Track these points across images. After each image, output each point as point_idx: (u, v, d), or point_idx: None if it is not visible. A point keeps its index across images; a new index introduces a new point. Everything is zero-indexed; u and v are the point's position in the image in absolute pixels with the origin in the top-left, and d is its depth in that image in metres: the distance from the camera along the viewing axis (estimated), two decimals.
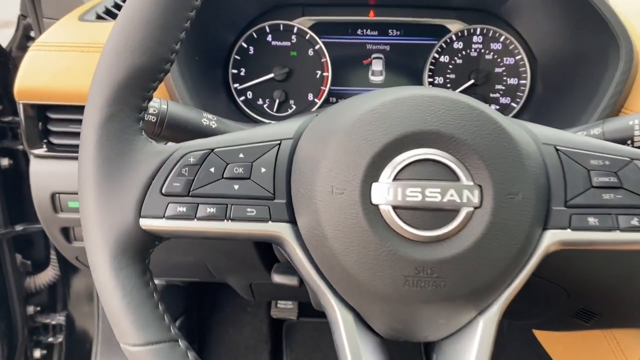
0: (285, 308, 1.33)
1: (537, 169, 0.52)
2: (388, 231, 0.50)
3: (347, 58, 0.99)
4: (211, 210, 0.52)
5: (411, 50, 0.99)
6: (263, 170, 0.53)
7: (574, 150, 0.54)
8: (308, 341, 1.42)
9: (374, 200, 0.50)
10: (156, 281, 1.22)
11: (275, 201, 0.53)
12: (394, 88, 0.54)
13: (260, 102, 0.99)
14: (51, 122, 0.86)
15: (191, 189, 0.52)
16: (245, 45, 0.99)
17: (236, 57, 0.99)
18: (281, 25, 0.98)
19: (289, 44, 0.98)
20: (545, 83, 0.96)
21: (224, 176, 0.53)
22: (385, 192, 0.49)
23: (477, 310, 0.52)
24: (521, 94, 0.98)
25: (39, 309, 1.45)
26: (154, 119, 0.66)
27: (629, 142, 0.67)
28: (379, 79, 0.99)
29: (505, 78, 0.98)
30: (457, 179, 0.50)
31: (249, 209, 0.52)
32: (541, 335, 1.13)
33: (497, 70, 0.98)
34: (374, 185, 0.50)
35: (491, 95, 0.98)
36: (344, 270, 0.51)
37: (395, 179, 0.50)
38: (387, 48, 0.99)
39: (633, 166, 0.53)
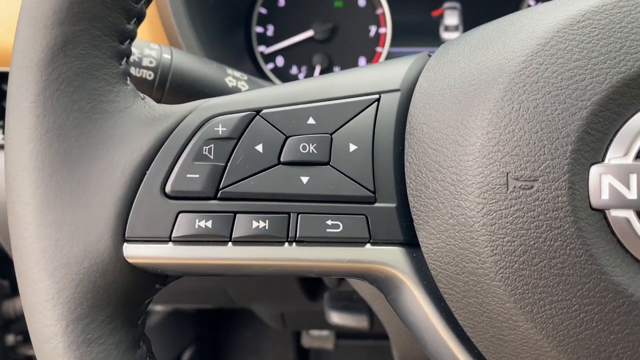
0: (320, 336, 1.09)
1: None
2: (627, 263, 0.25)
3: (411, 8, 0.76)
4: (261, 224, 0.27)
5: None
6: (353, 148, 0.28)
7: None
8: None
9: (597, 201, 0.25)
10: (159, 307, 0.98)
11: (378, 206, 0.28)
12: None
13: (294, 70, 0.75)
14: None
15: (222, 186, 0.27)
16: None
17: (262, 10, 0.74)
18: None
19: None
20: None
21: (282, 160, 0.28)
22: (620, 184, 0.24)
23: None
24: None
25: (20, 338, 1.22)
26: (150, 75, 0.42)
27: None
28: (454, 35, 0.74)
29: None
30: None
31: (329, 222, 0.27)
32: None
33: None
34: (596, 169, 0.25)
35: None
36: (528, 342, 0.26)
37: (639, 156, 0.25)
38: None
39: None
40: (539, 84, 0.25)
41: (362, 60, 0.75)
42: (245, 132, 0.28)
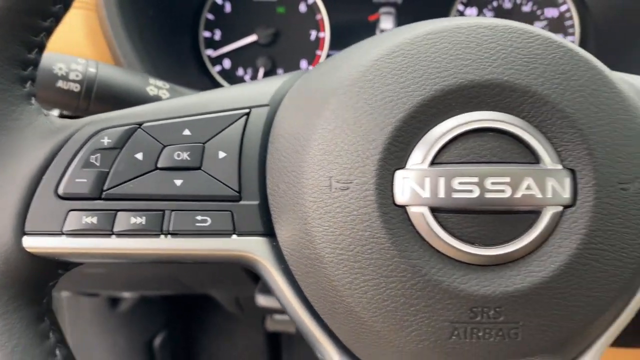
0: (282, 320, 1.15)
1: None
2: (424, 249, 0.30)
3: (349, 14, 0.81)
4: (138, 220, 0.33)
5: (430, 1, 0.79)
6: (222, 155, 0.34)
7: None
8: (312, 356, 1.24)
9: (400, 199, 0.30)
10: (127, 294, 1.03)
11: (242, 203, 0.34)
12: (423, 21, 0.35)
13: (240, 72, 0.80)
14: None
15: (105, 188, 0.33)
16: (219, 1, 0.79)
17: (209, 16, 0.79)
18: None
19: None
20: (599, 41, 0.76)
21: (159, 166, 0.34)
22: (417, 185, 0.30)
23: None
24: None
25: None
26: (77, 87, 0.47)
27: None
28: None
29: None
30: (536, 160, 0.30)
31: (199, 217, 0.33)
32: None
33: (538, 25, 0.78)
34: (399, 174, 0.30)
35: None
36: (351, 313, 0.31)
37: (433, 162, 0.30)
38: (399, 0, 0.79)
39: None
40: (358, 104, 0.31)
41: (303, 63, 0.80)
42: (127, 142, 0.34)
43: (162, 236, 0.33)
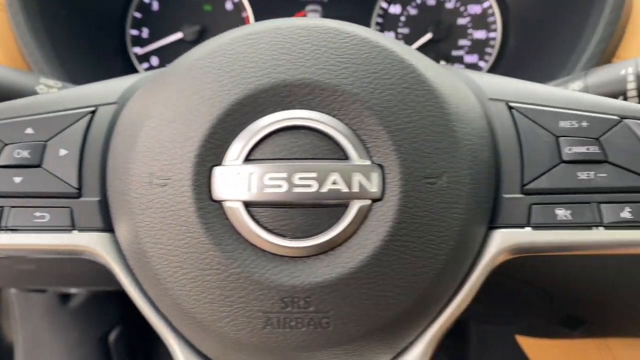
0: None
1: (476, 138, 0.33)
2: (238, 242, 0.32)
3: (275, 12, 0.81)
4: None
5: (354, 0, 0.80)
6: (63, 153, 0.35)
7: (535, 108, 0.35)
8: None
9: (216, 194, 0.32)
10: (75, 290, 1.04)
11: (83, 200, 0.35)
12: (259, 22, 0.36)
13: None
14: None
15: None
16: (147, 0, 0.80)
17: (136, 14, 0.80)
18: None
19: None
20: (518, 35, 0.77)
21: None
22: (232, 181, 0.31)
23: (389, 356, 0.34)
24: (490, 50, 0.79)
25: None
26: None
27: (620, 99, 0.48)
28: None
29: (470, 31, 0.79)
30: (345, 156, 0.31)
31: (37, 213, 0.34)
32: (526, 342, 0.97)
33: (461, 21, 0.79)
34: (217, 170, 0.32)
35: (454, 52, 0.80)
36: (177, 305, 0.33)
37: (247, 159, 0.32)
38: None
39: (623, 128, 0.34)
40: (179, 102, 0.32)
41: None
42: None
43: (1, 232, 0.34)
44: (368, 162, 0.31)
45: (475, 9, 0.79)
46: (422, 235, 0.31)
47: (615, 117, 0.35)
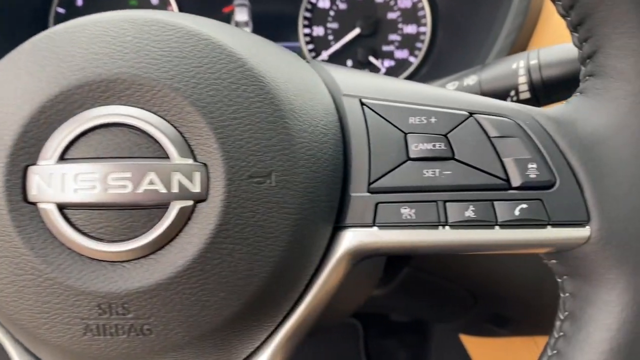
0: None
1: (317, 135, 0.32)
2: (53, 246, 0.30)
3: (201, 6, 0.80)
4: None
5: None
6: None
7: (386, 104, 0.34)
8: None
9: (31, 196, 0.30)
10: None
11: None
12: (84, 16, 0.34)
13: None
14: None
15: None
16: None
17: (59, 9, 0.78)
18: None
19: None
20: (447, 29, 0.75)
21: None
22: (45, 182, 0.30)
23: None
24: (420, 45, 0.78)
25: None
26: None
27: (512, 93, 0.47)
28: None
29: (401, 26, 0.78)
30: (166, 155, 0.30)
31: None
32: (468, 340, 0.96)
33: (391, 16, 0.78)
34: (30, 170, 0.30)
35: (384, 48, 0.78)
36: (1, 310, 0.31)
37: (62, 158, 0.30)
38: None
39: (471, 124, 0.33)
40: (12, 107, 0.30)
41: None
42: None
43: None
44: (190, 161, 0.30)
45: (405, 3, 0.78)
46: (248, 236, 0.30)
47: (464, 113, 0.33)
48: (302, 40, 0.78)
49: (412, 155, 0.33)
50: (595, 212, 0.32)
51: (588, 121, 0.32)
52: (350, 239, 0.33)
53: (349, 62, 0.79)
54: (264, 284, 0.31)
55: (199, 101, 0.30)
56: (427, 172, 0.33)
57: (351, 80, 0.36)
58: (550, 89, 0.45)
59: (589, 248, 0.32)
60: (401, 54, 0.78)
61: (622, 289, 0.32)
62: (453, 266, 0.65)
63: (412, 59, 0.78)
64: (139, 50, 0.30)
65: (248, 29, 0.79)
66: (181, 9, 0.78)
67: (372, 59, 0.77)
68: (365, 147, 0.33)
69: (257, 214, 0.30)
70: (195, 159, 0.30)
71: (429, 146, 0.33)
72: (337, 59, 0.79)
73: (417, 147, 0.33)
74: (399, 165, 0.33)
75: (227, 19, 0.79)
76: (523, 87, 0.46)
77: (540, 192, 0.32)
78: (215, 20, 0.36)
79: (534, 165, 0.32)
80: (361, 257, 0.34)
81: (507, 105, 0.34)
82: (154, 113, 0.30)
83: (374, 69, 0.79)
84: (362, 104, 0.34)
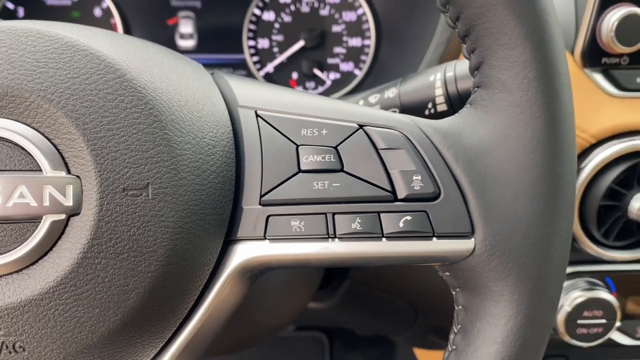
0: None
1: (203, 147, 0.32)
2: None
3: (146, 18, 0.79)
4: None
5: (227, 5, 0.78)
6: None
7: (280, 116, 0.34)
8: None
9: None
10: None
11: None
12: None
13: None
14: None
15: None
16: (11, 7, 0.77)
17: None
18: None
19: (69, 2, 0.77)
20: (389, 41, 0.76)
21: None
22: None
23: None
24: (365, 57, 0.78)
25: None
26: None
27: (430, 105, 0.47)
28: (189, 43, 0.79)
29: (346, 38, 0.78)
30: (38, 167, 0.29)
31: None
32: (421, 353, 0.96)
33: (336, 29, 0.78)
34: None
35: (329, 60, 0.78)
36: None
37: None
38: (198, 4, 0.79)
39: (360, 136, 0.33)
40: None
41: None
42: None
43: None
44: (63, 174, 0.29)
45: (350, 15, 0.78)
46: (123, 251, 0.29)
47: (354, 125, 0.33)
48: (247, 52, 0.78)
49: (303, 167, 0.32)
50: (480, 224, 0.31)
51: (474, 132, 0.32)
52: (242, 252, 0.32)
53: (294, 75, 0.79)
54: (143, 298, 0.30)
55: (73, 112, 0.29)
56: (317, 184, 0.32)
57: (249, 92, 0.36)
58: (466, 100, 0.45)
59: (475, 260, 0.32)
60: (346, 66, 0.78)
61: (506, 301, 0.31)
62: (392, 279, 0.65)
63: (357, 71, 0.78)
64: (14, 62, 0.30)
65: (193, 42, 0.79)
66: (125, 21, 0.77)
67: (317, 71, 0.78)
68: (259, 159, 0.33)
69: (133, 227, 0.29)
70: (68, 172, 0.29)
71: (319, 158, 0.32)
72: (282, 71, 0.79)
73: (308, 159, 0.32)
74: (290, 177, 0.33)
75: (171, 31, 0.79)
76: (440, 99, 0.46)
77: (425, 204, 0.32)
78: (106, 31, 0.35)
79: (419, 177, 0.32)
80: (254, 271, 0.33)
81: (396, 117, 0.34)
82: (28, 125, 0.29)
83: (319, 82, 0.79)
84: (257, 115, 0.34)
